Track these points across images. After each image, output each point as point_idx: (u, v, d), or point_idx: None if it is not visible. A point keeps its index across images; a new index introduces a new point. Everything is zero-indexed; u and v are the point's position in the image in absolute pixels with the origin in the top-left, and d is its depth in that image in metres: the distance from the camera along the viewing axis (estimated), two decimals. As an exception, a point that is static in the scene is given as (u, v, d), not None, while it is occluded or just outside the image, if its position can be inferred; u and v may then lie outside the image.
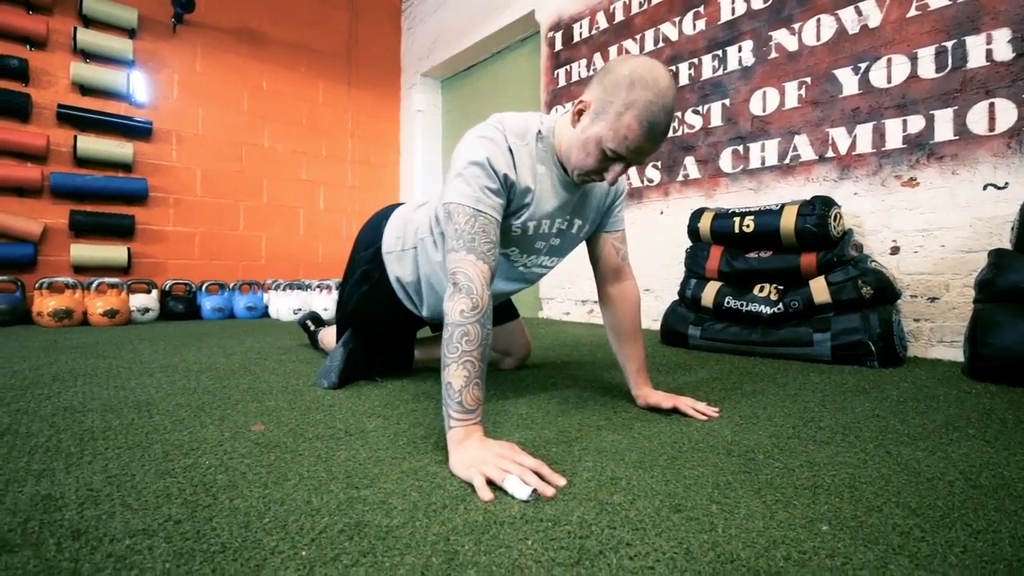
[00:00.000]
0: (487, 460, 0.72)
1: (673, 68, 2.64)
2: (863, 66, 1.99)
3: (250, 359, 1.74)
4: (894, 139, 1.92)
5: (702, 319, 2.04)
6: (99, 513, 0.61)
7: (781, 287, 1.88)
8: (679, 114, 2.61)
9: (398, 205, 1.40)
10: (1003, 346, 1.37)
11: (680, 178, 2.64)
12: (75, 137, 3.22)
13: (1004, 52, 1.68)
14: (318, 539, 0.55)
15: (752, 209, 1.98)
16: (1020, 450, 0.86)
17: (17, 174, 3.07)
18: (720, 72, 2.46)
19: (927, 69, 1.84)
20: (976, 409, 1.13)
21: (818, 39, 2.12)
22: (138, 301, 3.16)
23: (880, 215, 1.97)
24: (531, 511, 0.63)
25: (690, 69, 2.58)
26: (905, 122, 1.89)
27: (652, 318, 2.68)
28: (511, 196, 0.98)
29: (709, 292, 2.02)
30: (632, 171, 2.83)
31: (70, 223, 3.22)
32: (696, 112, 2.56)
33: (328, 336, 1.76)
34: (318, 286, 3.50)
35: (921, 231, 1.87)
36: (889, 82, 1.92)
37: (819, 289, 1.77)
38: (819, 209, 1.79)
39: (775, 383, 1.40)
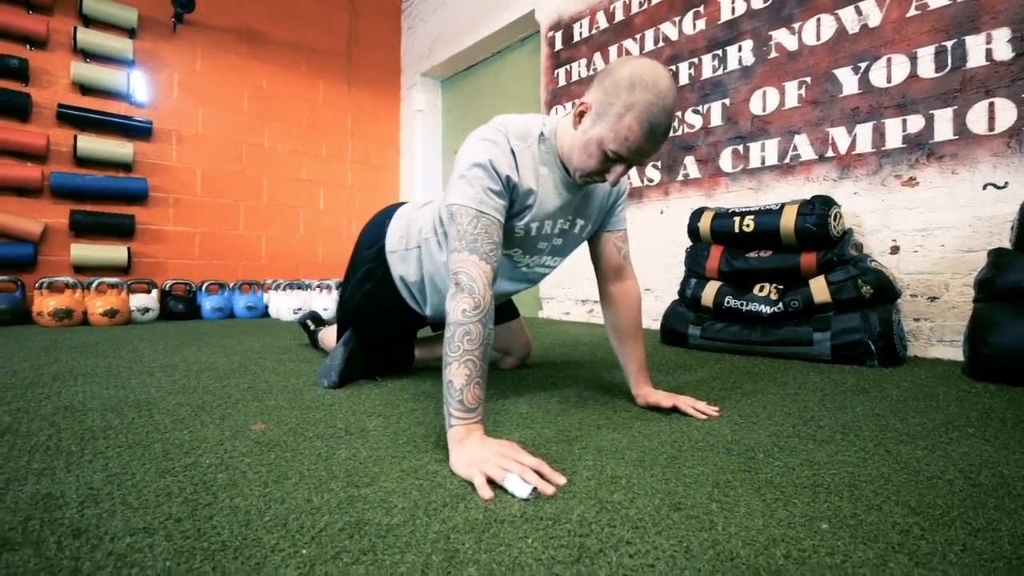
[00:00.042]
0: (487, 459, 0.72)
1: (673, 68, 2.64)
2: (863, 66, 1.99)
3: (250, 359, 1.74)
4: (894, 139, 1.92)
5: (702, 319, 2.04)
6: (100, 511, 0.61)
7: (781, 287, 1.88)
8: (679, 114, 2.61)
9: (401, 204, 1.40)
10: (1003, 345, 1.37)
11: (680, 178, 2.64)
12: (75, 137, 3.22)
13: (1004, 52, 1.68)
14: (318, 537, 0.55)
15: (752, 209, 1.98)
16: (1019, 449, 0.86)
17: (17, 174, 3.07)
18: (720, 72, 2.46)
19: (927, 69, 1.84)
20: (976, 408, 1.13)
21: (818, 39, 2.12)
22: (138, 301, 3.16)
23: (880, 214, 1.97)
24: (531, 509, 0.63)
25: (690, 69, 2.58)
26: (905, 122, 1.89)
27: (652, 318, 2.68)
28: (514, 198, 0.98)
29: (709, 292, 2.02)
30: (632, 171, 2.83)
31: (70, 223, 3.22)
32: (696, 112, 2.56)
33: (328, 336, 1.76)
34: (318, 286, 3.50)
35: (921, 230, 1.87)
36: (889, 82, 1.92)
37: (819, 288, 1.77)
38: (819, 209, 1.79)
39: (775, 382, 1.40)
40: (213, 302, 3.47)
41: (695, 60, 2.56)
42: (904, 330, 1.78)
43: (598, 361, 1.72)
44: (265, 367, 1.59)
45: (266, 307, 3.64)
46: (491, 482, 0.69)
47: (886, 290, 1.71)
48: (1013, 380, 1.35)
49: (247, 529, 0.57)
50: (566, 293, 3.27)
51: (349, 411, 1.08)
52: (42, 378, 1.38)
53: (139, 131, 3.46)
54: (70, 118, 3.24)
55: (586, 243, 1.21)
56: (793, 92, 2.19)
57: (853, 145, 2.02)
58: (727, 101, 2.43)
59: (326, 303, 3.37)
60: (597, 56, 3.05)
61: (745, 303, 1.90)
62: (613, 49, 2.95)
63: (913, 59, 1.87)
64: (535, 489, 0.66)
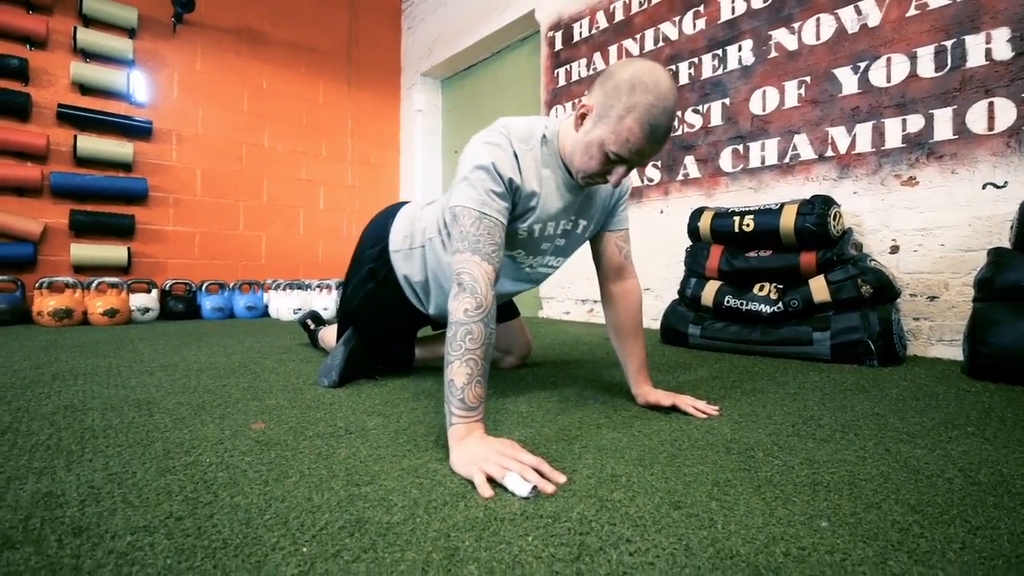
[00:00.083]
0: (488, 457, 0.72)
1: (673, 67, 2.64)
2: (863, 65, 1.99)
3: (250, 358, 1.74)
4: (893, 138, 1.92)
5: (702, 318, 2.04)
6: (100, 510, 0.61)
7: (781, 286, 1.88)
8: (679, 114, 2.61)
9: (403, 204, 1.41)
10: (1002, 345, 1.37)
11: (680, 177, 2.64)
12: (75, 137, 3.22)
13: (1003, 51, 1.68)
14: (319, 535, 0.56)
15: (752, 208, 1.98)
16: (1019, 448, 0.86)
17: (17, 174, 3.07)
18: (720, 71, 2.46)
19: (926, 68, 1.84)
20: (975, 407, 1.13)
21: (818, 38, 2.12)
22: (138, 301, 3.16)
23: (880, 214, 1.97)
24: (531, 508, 0.63)
25: (690, 68, 2.58)
26: (904, 121, 1.89)
27: (652, 317, 2.68)
28: (516, 200, 0.99)
29: (709, 291, 2.02)
30: (632, 171, 2.83)
31: (70, 223, 3.22)
32: (696, 111, 2.56)
33: (328, 335, 1.76)
34: (318, 286, 3.50)
35: (920, 230, 1.87)
36: (888, 81, 1.93)
37: (819, 288, 1.77)
38: (819, 208, 1.79)
39: (775, 382, 1.40)
40: (213, 302, 3.47)
41: (695, 60, 2.56)
42: (904, 329, 1.79)
43: (598, 360, 1.72)
44: (265, 367, 1.59)
45: (266, 307, 3.64)
46: (491, 480, 0.69)
47: (886, 289, 1.71)
48: (1012, 379, 1.35)
49: (248, 527, 0.57)
50: (566, 293, 3.27)
51: (349, 410, 1.08)
52: (42, 377, 1.38)
53: (139, 131, 3.46)
54: (70, 118, 3.24)
55: (587, 243, 1.21)
56: (793, 92, 2.19)
57: (853, 145, 2.02)
58: (727, 101, 2.43)
59: (326, 303, 3.37)
60: (597, 56, 3.05)
61: (745, 302, 1.90)
62: (613, 49, 2.96)
63: (913, 59, 1.87)
64: (535, 487, 0.66)
